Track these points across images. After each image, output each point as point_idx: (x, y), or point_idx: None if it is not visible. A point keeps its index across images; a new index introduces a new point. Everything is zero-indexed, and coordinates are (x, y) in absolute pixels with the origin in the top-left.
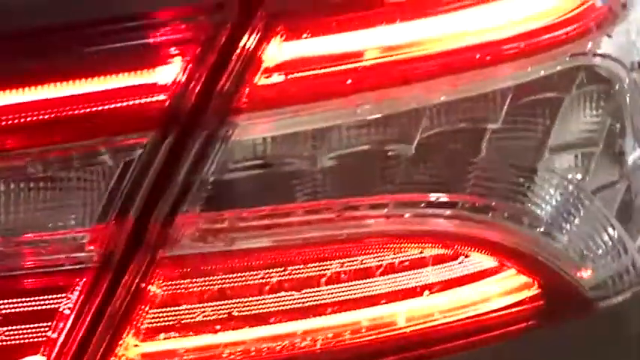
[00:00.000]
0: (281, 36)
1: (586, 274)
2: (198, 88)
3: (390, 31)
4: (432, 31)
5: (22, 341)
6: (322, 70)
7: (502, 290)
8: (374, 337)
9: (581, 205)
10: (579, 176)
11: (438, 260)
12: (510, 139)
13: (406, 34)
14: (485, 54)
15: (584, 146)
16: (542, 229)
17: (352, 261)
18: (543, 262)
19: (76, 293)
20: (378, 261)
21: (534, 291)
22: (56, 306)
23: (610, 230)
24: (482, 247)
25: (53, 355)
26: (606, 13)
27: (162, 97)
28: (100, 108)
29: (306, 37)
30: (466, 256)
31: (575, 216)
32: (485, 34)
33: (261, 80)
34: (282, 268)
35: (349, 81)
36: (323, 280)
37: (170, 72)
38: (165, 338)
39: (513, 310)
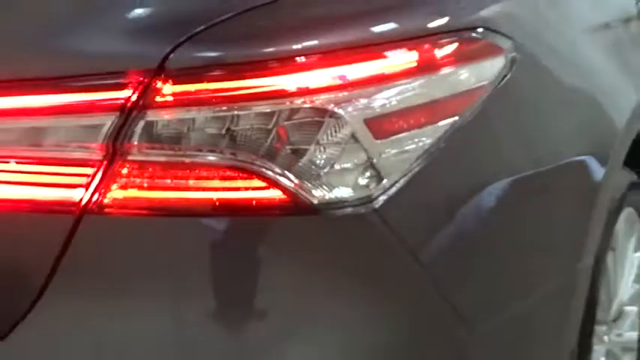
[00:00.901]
0: (171, 83)
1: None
2: (134, 99)
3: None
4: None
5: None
6: (189, 97)
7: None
8: None
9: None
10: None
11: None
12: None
13: None
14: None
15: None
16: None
17: None
18: (284, 186)
19: (97, 162)
20: None
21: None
22: (89, 170)
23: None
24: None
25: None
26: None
27: (122, 101)
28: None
29: (179, 85)
30: None
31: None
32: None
33: (161, 98)
34: None
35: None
36: None
37: (126, 93)
38: (134, 190)
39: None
